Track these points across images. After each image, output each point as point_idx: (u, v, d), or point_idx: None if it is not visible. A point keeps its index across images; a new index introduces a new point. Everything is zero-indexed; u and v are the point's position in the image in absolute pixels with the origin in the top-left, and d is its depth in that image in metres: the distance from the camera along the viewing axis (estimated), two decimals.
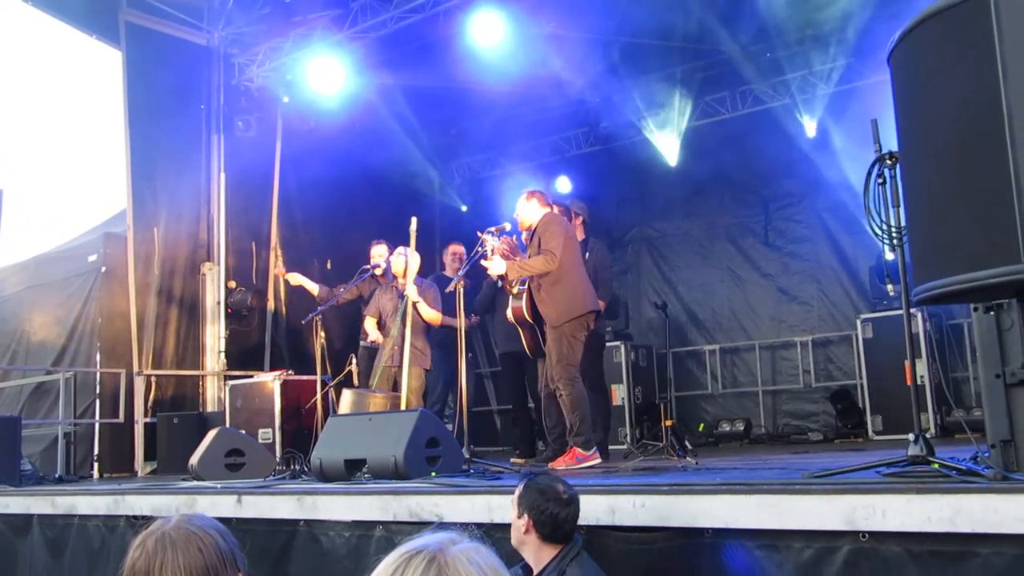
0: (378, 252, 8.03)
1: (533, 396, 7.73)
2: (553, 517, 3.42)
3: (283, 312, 10.64)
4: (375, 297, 7.61)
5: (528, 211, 6.45)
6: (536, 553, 3.44)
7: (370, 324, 7.45)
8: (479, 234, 6.48)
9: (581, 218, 7.42)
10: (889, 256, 9.06)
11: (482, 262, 6.33)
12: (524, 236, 6.74)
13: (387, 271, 7.83)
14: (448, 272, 8.24)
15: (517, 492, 3.52)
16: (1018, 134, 2.11)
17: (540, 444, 8.05)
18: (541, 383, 6.65)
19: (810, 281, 10.66)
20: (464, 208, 12.84)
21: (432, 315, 7.10)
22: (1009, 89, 2.11)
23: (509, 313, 6.51)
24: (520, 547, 3.49)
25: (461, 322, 6.46)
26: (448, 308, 7.16)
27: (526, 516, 3.45)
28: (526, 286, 6.35)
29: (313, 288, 8.20)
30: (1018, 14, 2.13)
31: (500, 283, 6.82)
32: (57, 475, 8.58)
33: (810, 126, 10.17)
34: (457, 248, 8.47)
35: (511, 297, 6.49)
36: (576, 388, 6.01)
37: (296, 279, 8.30)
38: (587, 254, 7.02)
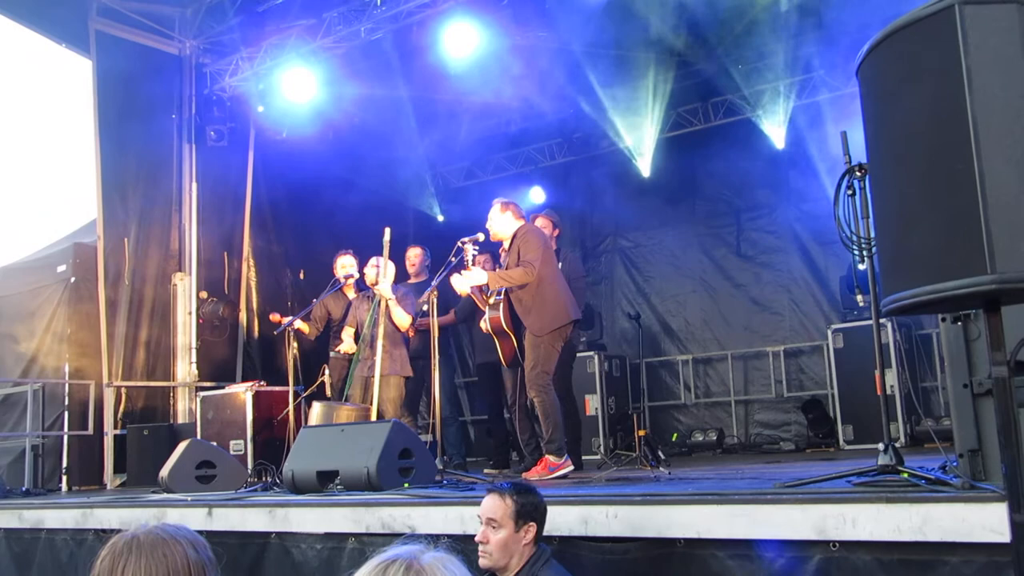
0: (346, 262, 8.00)
1: (509, 407, 7.73)
2: (545, 511, 3.50)
3: (255, 323, 10.57)
4: (352, 308, 7.61)
5: (502, 223, 6.46)
6: (520, 560, 3.41)
7: (347, 332, 7.42)
8: (459, 244, 6.47)
9: (557, 231, 7.45)
10: (861, 266, 9.21)
11: (463, 272, 6.32)
12: (502, 249, 6.73)
13: (360, 282, 7.81)
14: (414, 278, 8.21)
15: (509, 507, 3.42)
16: (984, 146, 2.14)
17: (514, 455, 8.05)
18: (512, 395, 6.66)
19: (782, 291, 10.73)
20: (441, 218, 12.83)
21: (401, 318, 7.04)
22: (975, 102, 2.14)
23: (485, 323, 6.51)
24: (506, 562, 3.42)
25: (434, 332, 6.45)
26: (422, 314, 7.14)
27: (533, 524, 3.44)
28: (502, 296, 6.36)
29: (305, 328, 8.09)
30: (984, 28, 2.17)
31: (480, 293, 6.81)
32: (24, 488, 8.47)
33: (782, 137, 10.25)
34: (416, 250, 8.43)
35: (488, 307, 6.49)
36: (549, 395, 6.05)
37: (294, 325, 7.89)
38: (560, 264, 7.04)
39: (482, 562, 3.44)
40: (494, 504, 3.46)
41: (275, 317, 8.04)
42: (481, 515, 3.49)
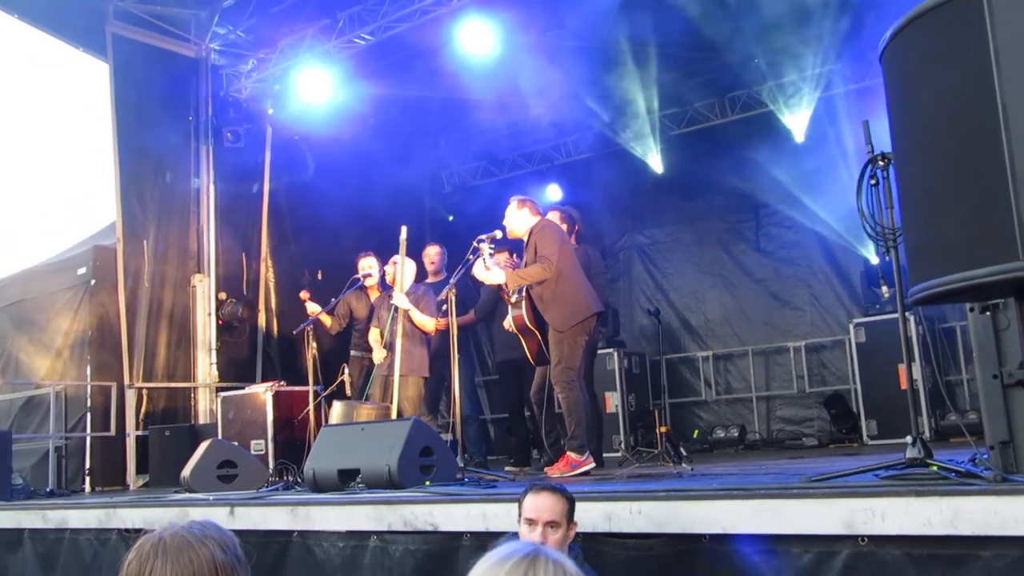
0: (367, 264, 8.01)
1: (530, 405, 7.70)
2: None
3: (274, 323, 10.60)
4: (375, 309, 7.64)
5: (519, 220, 6.42)
6: None
7: (374, 336, 7.40)
8: (475, 243, 6.44)
9: (577, 227, 7.40)
10: (874, 260, 9.14)
11: (480, 273, 6.29)
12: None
13: (381, 281, 7.83)
14: (431, 277, 8.20)
15: (566, 506, 3.33)
16: (1013, 130, 2.10)
17: (535, 452, 8.02)
18: (541, 391, 6.64)
19: (802, 286, 10.65)
20: (451, 218, 12.83)
21: (424, 321, 7.07)
22: (1003, 84, 2.10)
23: (509, 322, 6.48)
24: None
25: (453, 330, 6.42)
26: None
27: (576, 522, 3.38)
28: (524, 293, 6.32)
29: (326, 320, 8.10)
30: (1011, 8, 2.12)
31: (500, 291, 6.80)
32: (48, 489, 8.52)
33: (799, 130, 10.18)
34: (434, 248, 8.42)
35: (510, 306, 6.46)
36: (573, 392, 6.01)
37: (311, 307, 7.97)
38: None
39: None
40: (553, 503, 3.31)
41: (305, 295, 8.01)
42: (536, 516, 3.28)
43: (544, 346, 6.33)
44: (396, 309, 6.98)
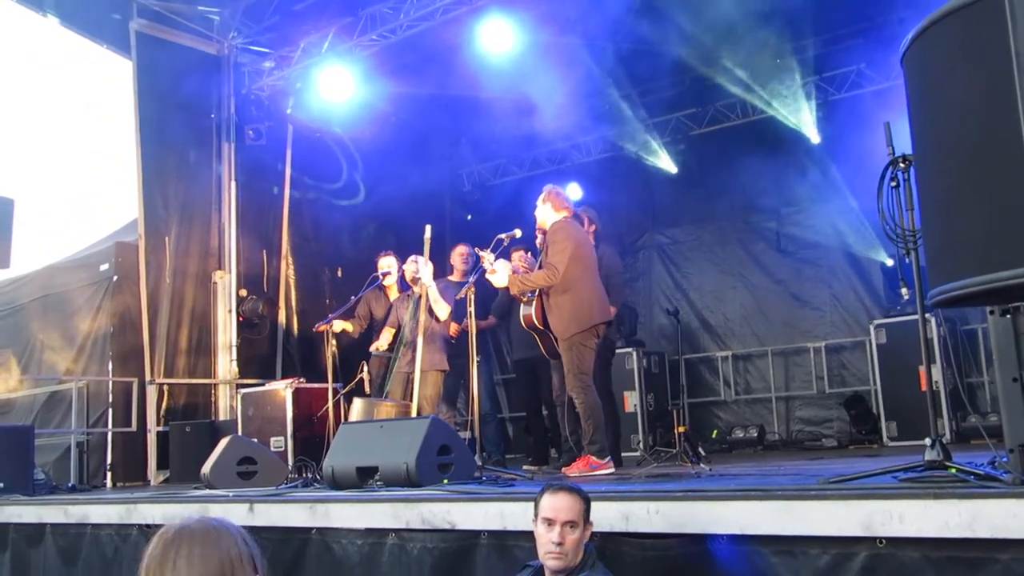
0: (386, 263, 8.04)
1: (547, 403, 7.71)
2: None
3: (294, 320, 10.66)
4: (393, 309, 7.66)
5: (542, 214, 6.44)
6: (578, 559, 3.35)
7: (387, 332, 7.47)
8: (477, 251, 6.47)
9: (595, 227, 7.39)
10: (889, 262, 9.08)
11: (486, 276, 6.31)
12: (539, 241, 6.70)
13: (401, 280, 7.85)
14: (457, 275, 8.22)
15: (583, 506, 3.37)
16: None
17: (552, 451, 8.03)
18: (558, 390, 6.64)
19: (822, 286, 10.59)
20: (469, 217, 12.84)
21: (442, 307, 7.09)
22: None
23: (521, 320, 6.50)
24: (574, 562, 3.33)
25: (472, 328, 6.45)
26: (460, 314, 7.17)
27: (592, 522, 3.40)
28: (536, 293, 6.33)
29: (349, 327, 8.13)
30: None
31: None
32: (70, 484, 8.60)
33: (821, 131, 10.13)
34: (463, 248, 8.45)
35: (522, 304, 6.48)
36: (589, 396, 5.99)
37: (338, 326, 7.97)
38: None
39: (556, 564, 3.29)
40: (571, 503, 3.34)
41: (322, 327, 8.02)
42: (554, 516, 3.31)
43: (556, 343, 6.33)
44: (416, 305, 7.01)
